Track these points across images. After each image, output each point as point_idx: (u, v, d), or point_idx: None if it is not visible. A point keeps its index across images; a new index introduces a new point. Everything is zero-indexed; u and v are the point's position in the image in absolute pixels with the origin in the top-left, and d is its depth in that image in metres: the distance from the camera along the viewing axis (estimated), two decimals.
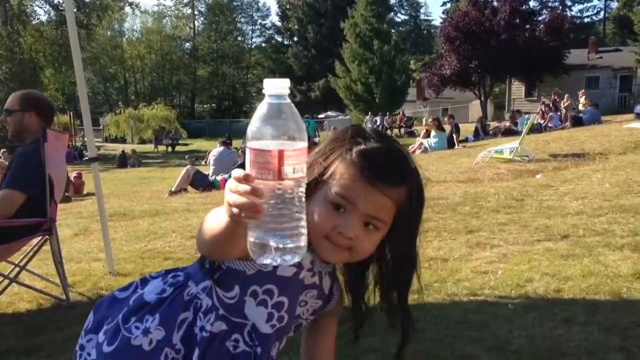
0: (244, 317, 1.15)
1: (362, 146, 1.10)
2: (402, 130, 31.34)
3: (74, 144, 27.55)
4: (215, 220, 0.94)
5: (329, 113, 42.96)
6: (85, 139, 28.36)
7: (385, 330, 2.67)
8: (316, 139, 28.78)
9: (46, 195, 3.29)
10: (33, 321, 3.22)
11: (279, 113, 0.84)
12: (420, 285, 1.30)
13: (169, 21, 64.65)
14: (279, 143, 0.83)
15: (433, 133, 16.46)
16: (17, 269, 3.54)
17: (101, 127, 39.96)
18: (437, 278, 3.44)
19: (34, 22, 37.67)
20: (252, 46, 64.73)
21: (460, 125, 19.44)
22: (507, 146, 10.11)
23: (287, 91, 0.85)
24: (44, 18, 38.81)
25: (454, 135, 17.04)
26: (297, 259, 0.87)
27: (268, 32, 62.82)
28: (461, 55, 33.69)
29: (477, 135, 20.27)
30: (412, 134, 28.97)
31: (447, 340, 2.59)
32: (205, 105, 61.24)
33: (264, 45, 61.76)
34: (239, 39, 64.06)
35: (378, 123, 31.73)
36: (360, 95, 41.09)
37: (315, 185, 1.09)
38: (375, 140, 1.12)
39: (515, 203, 5.53)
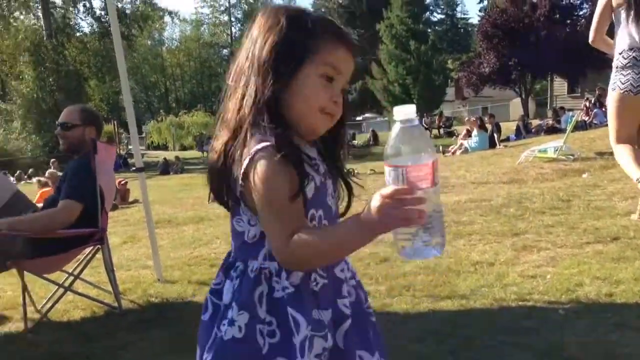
0: None
1: (316, 18, 1.17)
2: (441, 130, 31.04)
3: (118, 152, 28.21)
4: (345, 241, 1.07)
5: (367, 115, 42.91)
6: (130, 147, 29.01)
7: (434, 339, 2.67)
8: (354, 142, 28.84)
9: (98, 206, 3.40)
10: (87, 329, 3.33)
11: (418, 133, 0.99)
12: None
13: (207, 29, 65.56)
14: (428, 156, 0.99)
15: (474, 132, 16.25)
16: (72, 277, 3.65)
17: (144, 134, 40.79)
18: (483, 283, 3.40)
19: (77, 34, 38.71)
20: None
21: (501, 124, 19.15)
22: (551, 145, 9.91)
23: (415, 115, 1.00)
24: (87, 30, 39.88)
25: (495, 135, 16.79)
26: (441, 252, 1.03)
27: None
28: (500, 52, 33.20)
29: (519, 134, 19.93)
30: (451, 134, 28.66)
31: (496, 347, 2.56)
32: None
33: None
34: None
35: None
36: (398, 96, 40.81)
37: (291, 72, 1.14)
38: (308, 11, 1.19)
39: (562, 204, 5.41)
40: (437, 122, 32.06)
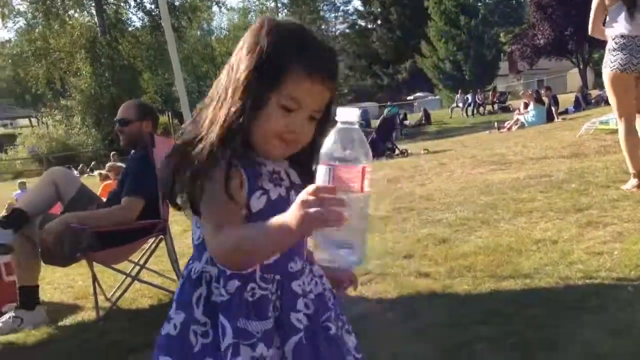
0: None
1: (303, 45, 1.15)
2: (496, 106, 30.35)
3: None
4: (266, 237, 1.05)
5: (418, 94, 42.38)
6: None
7: (498, 320, 2.63)
8: (406, 122, 28.57)
9: (159, 198, 3.49)
10: (155, 316, 3.42)
11: (355, 137, 0.98)
12: None
13: (254, 16, 65.87)
14: (360, 160, 0.97)
15: (531, 106, 15.81)
16: (138, 267, 3.78)
17: None
18: (547, 261, 3.32)
19: (130, 29, 39.59)
20: (337, 33, 64.78)
21: (558, 96, 18.57)
22: (613, 116, 9.52)
23: (357, 119, 1.00)
24: (138, 24, 40.72)
25: (553, 108, 16.29)
26: (362, 263, 1.00)
27: (351, 17, 62.53)
28: (555, 22, 32.08)
29: (578, 106, 19.28)
30: (506, 110, 27.98)
31: (564, 326, 2.50)
32: None
33: (347, 31, 61.57)
34: (323, 27, 64.21)
35: (469, 101, 30.92)
36: (449, 74, 40.13)
37: (258, 95, 1.14)
38: (305, 35, 1.18)
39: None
40: (490, 97, 31.35)
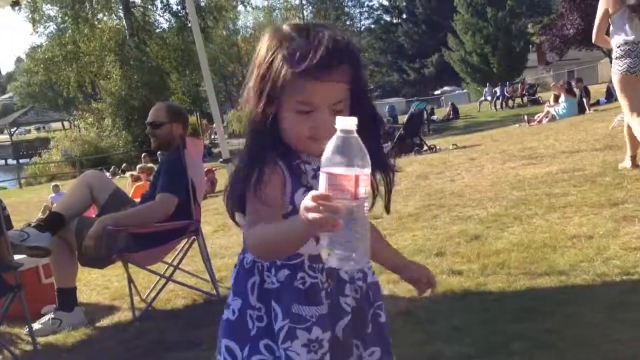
0: (298, 256, 1.26)
1: (293, 48, 1.18)
2: (525, 98, 29.91)
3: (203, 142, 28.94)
4: (283, 235, 1.14)
5: (445, 88, 42.02)
6: (212, 137, 29.86)
7: (533, 318, 2.60)
8: (434, 117, 28.37)
9: (191, 199, 3.54)
10: (190, 316, 3.49)
11: (351, 145, 1.02)
12: None
13: (279, 14, 65.97)
14: (354, 169, 1.01)
15: (562, 98, 15.53)
16: (172, 268, 3.83)
17: (225, 123, 41.85)
18: (583, 257, 3.27)
19: (157, 31, 39.97)
20: (362, 29, 64.58)
21: (589, 87, 18.22)
22: None
23: (355, 128, 1.03)
24: (165, 26, 41.04)
25: (584, 100, 15.98)
26: (361, 266, 1.08)
27: (376, 12, 62.32)
28: (584, 12, 31.40)
29: (610, 97, 18.85)
30: (535, 102, 27.55)
31: (602, 324, 2.46)
32: None
33: (372, 26, 61.38)
34: (348, 23, 64.07)
35: (498, 94, 30.53)
36: (477, 67, 39.70)
37: (273, 100, 1.21)
38: (299, 34, 1.20)
39: None
40: (519, 90, 30.91)
